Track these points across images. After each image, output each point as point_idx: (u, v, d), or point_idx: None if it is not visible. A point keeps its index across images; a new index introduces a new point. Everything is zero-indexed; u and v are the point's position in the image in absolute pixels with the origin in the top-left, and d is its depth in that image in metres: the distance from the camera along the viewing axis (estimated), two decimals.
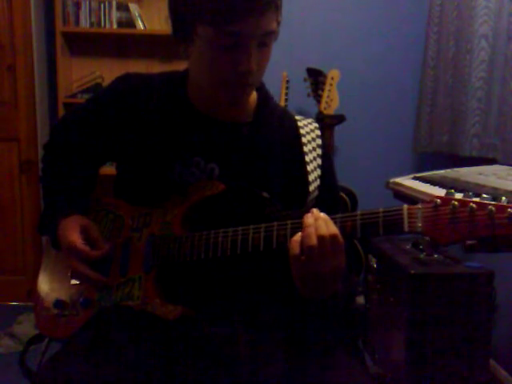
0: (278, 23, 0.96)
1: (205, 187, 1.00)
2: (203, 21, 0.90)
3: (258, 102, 1.07)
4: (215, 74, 0.95)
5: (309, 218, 0.84)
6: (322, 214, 0.84)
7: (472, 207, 0.73)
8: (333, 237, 0.82)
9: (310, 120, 1.12)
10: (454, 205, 0.75)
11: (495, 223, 0.71)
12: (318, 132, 1.10)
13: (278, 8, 0.93)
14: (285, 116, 1.10)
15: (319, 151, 1.08)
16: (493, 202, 0.72)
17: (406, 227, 0.78)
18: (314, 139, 1.08)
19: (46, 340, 1.13)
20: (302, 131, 1.08)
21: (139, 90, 1.06)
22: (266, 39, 0.93)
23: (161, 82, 1.06)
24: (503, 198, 0.72)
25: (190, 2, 0.91)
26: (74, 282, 1.08)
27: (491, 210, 0.71)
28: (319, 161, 1.07)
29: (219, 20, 0.88)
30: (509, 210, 0.71)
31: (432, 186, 1.45)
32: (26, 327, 2.47)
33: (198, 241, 0.95)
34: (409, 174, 1.70)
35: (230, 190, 0.99)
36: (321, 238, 0.81)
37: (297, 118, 1.11)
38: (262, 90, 1.09)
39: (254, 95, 1.07)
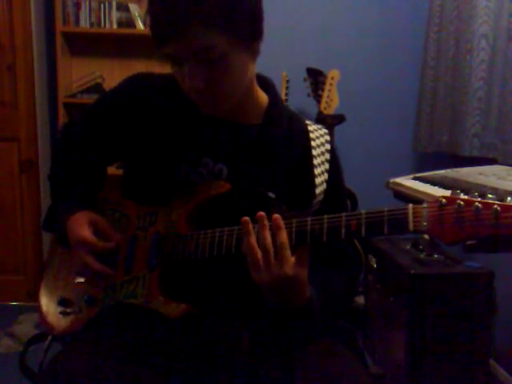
0: (240, 35, 0.91)
1: (210, 187, 1.00)
2: None
3: (269, 104, 1.07)
4: (182, 86, 0.98)
5: (248, 225, 0.86)
6: (274, 221, 0.85)
7: (477, 206, 0.73)
8: (279, 246, 0.84)
9: (320, 126, 1.14)
10: (459, 204, 0.74)
11: (500, 223, 0.71)
12: (328, 137, 1.11)
13: (212, 23, 0.86)
14: (295, 119, 1.11)
15: (327, 156, 1.09)
16: (498, 202, 0.72)
17: (411, 226, 0.78)
18: (323, 144, 1.10)
19: (49, 338, 1.13)
20: (311, 135, 1.09)
21: (148, 90, 1.07)
22: (206, 56, 0.89)
23: (170, 82, 1.06)
24: (509, 199, 0.72)
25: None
26: (79, 280, 1.09)
27: (496, 210, 0.71)
28: (327, 165, 1.08)
29: (155, 43, 0.91)
30: None
31: (432, 186, 1.45)
32: (26, 327, 2.47)
33: (202, 239, 0.96)
34: (409, 174, 1.70)
35: (236, 190, 1.00)
36: (263, 246, 0.84)
37: (307, 122, 1.12)
38: (272, 93, 1.09)
39: (264, 97, 1.08)
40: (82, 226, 1.04)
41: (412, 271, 1.81)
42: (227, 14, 0.88)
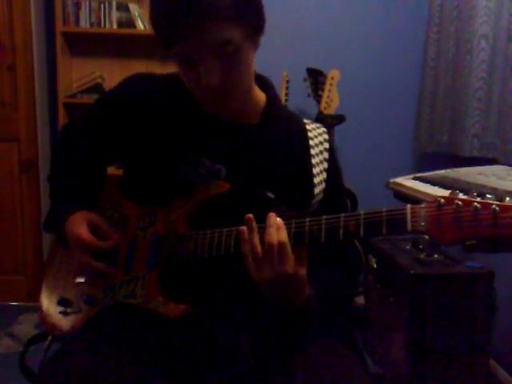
0: (249, 27, 0.91)
1: (210, 187, 1.00)
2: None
3: (267, 103, 1.07)
4: (191, 86, 0.96)
5: (252, 222, 0.86)
6: (277, 220, 0.86)
7: (476, 207, 0.73)
8: (280, 244, 0.84)
9: (318, 124, 1.13)
10: (457, 204, 0.74)
11: (499, 223, 0.71)
12: (326, 136, 1.10)
13: (226, 16, 0.86)
14: (293, 118, 1.10)
15: (326, 155, 1.08)
16: (496, 202, 0.72)
17: (409, 226, 0.78)
18: (321, 143, 1.09)
19: (49, 338, 1.13)
20: (309, 134, 1.08)
21: (147, 91, 1.06)
22: (222, 51, 0.88)
23: (169, 83, 1.06)
24: (507, 199, 0.72)
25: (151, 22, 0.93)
26: (78, 280, 1.09)
27: (495, 210, 0.71)
28: (325, 164, 1.07)
29: (164, 43, 0.90)
30: None
31: (432, 186, 1.45)
32: (26, 327, 2.47)
33: (201, 239, 0.96)
34: (409, 174, 1.70)
35: (235, 190, 0.99)
36: (268, 244, 0.84)
37: (305, 121, 1.11)
38: (270, 92, 1.09)
39: (262, 97, 1.07)
40: (80, 225, 1.04)
41: (412, 271, 1.81)
42: (238, 6, 0.87)
